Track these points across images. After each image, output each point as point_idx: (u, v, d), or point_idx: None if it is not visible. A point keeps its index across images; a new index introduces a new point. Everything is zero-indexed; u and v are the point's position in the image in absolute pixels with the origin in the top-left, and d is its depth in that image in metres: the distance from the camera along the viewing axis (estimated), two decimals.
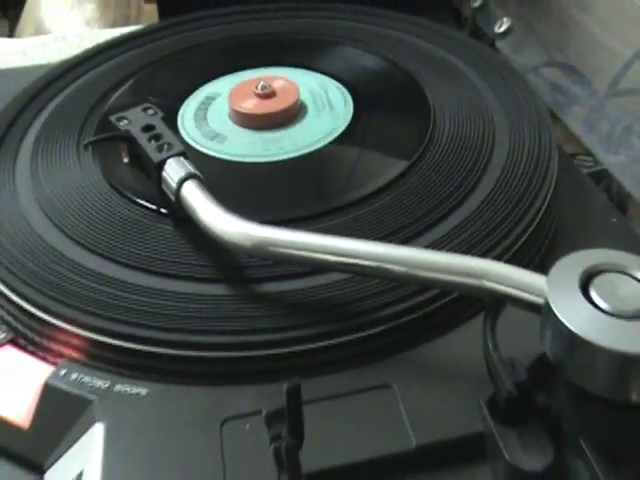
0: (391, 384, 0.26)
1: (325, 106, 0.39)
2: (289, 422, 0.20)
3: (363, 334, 0.27)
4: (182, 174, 0.29)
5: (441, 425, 0.25)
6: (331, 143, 0.36)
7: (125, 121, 0.32)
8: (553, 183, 0.34)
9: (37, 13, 0.78)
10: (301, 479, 0.21)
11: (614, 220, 0.37)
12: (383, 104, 0.39)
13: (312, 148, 0.36)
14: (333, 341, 0.27)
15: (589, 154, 0.55)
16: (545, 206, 0.33)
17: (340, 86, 0.41)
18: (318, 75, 0.42)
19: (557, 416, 0.24)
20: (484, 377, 0.25)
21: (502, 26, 0.56)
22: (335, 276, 0.29)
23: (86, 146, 0.34)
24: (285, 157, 0.35)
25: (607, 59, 0.57)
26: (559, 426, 0.24)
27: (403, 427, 0.25)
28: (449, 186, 0.33)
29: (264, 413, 0.21)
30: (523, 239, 0.31)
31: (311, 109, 0.39)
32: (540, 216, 0.33)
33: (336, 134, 0.37)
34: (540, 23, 0.63)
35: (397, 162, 0.34)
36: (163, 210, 0.31)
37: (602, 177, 0.52)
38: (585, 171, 0.52)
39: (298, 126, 0.38)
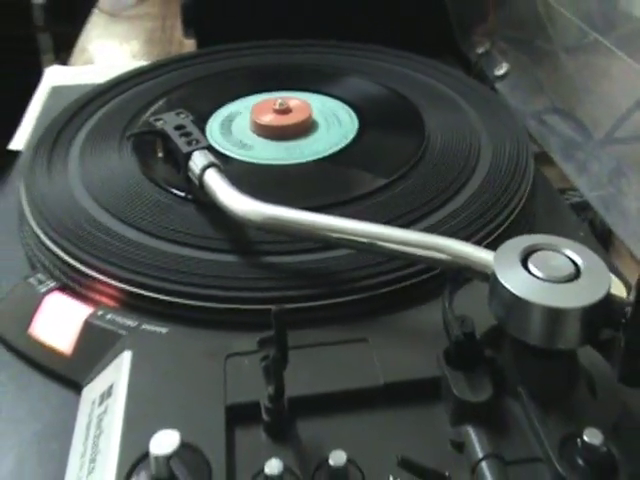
0: (367, 338, 0.31)
1: (334, 123, 0.45)
2: (276, 340, 0.26)
3: (347, 299, 0.33)
4: (205, 162, 0.35)
5: (406, 369, 0.30)
6: (342, 150, 0.43)
7: (161, 121, 0.39)
8: (529, 187, 0.40)
9: (88, 47, 0.86)
10: (283, 389, 0.27)
11: (581, 234, 0.43)
12: (384, 122, 0.46)
13: (327, 153, 0.42)
14: (319, 302, 0.32)
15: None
16: (522, 202, 0.39)
17: (347, 108, 0.47)
18: (328, 99, 0.48)
19: (501, 367, 0.29)
20: (445, 337, 0.30)
21: (501, 70, 0.63)
22: (328, 253, 0.34)
23: (129, 137, 0.40)
24: (306, 160, 0.42)
25: (603, 108, 0.62)
26: (503, 375, 0.29)
27: (374, 369, 0.30)
28: (442, 184, 0.40)
29: (257, 339, 0.27)
30: (501, 229, 0.37)
31: (322, 125, 0.45)
32: (517, 212, 0.38)
33: (345, 143, 0.43)
34: (538, 70, 0.69)
35: (398, 165, 0.41)
36: (188, 196, 0.37)
37: (586, 208, 0.58)
38: (570, 201, 0.58)
39: (311, 137, 0.44)
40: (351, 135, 0.44)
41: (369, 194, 0.39)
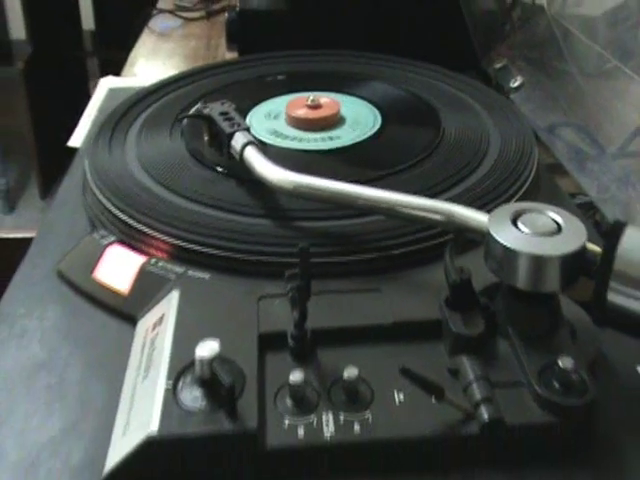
0: (380, 289, 0.37)
1: (360, 119, 0.51)
2: (301, 272, 0.31)
3: (364, 257, 0.38)
4: (245, 141, 0.41)
5: (412, 312, 0.35)
6: (367, 139, 0.48)
7: (208, 108, 0.45)
8: (533, 171, 0.45)
9: (136, 62, 0.94)
10: (306, 316, 0.32)
11: None
12: (405, 119, 0.51)
13: (353, 141, 0.48)
14: (340, 258, 0.38)
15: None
16: (528, 183, 0.44)
17: (372, 107, 0.53)
18: (356, 99, 0.54)
19: (493, 312, 0.34)
20: (446, 290, 0.35)
21: (516, 82, 0.68)
22: (349, 220, 0.40)
23: (180, 119, 0.46)
24: (335, 147, 0.47)
25: (615, 124, 0.67)
26: (494, 319, 0.34)
27: (385, 311, 0.35)
28: (458, 165, 0.45)
29: (286, 274, 0.32)
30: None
31: (349, 119, 0.51)
32: (523, 189, 0.44)
33: (369, 134, 0.49)
34: (553, 87, 0.74)
35: (417, 151, 0.47)
36: (227, 172, 0.43)
37: (592, 207, 0.62)
38: (577, 201, 0.62)
39: (339, 129, 0.50)
40: (375, 128, 0.50)
41: (392, 174, 0.44)
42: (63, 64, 2.15)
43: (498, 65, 0.72)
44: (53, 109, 1.97)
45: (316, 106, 0.50)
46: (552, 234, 0.33)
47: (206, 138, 0.45)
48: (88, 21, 2.38)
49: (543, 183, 0.49)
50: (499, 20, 0.77)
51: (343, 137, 0.49)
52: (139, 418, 0.29)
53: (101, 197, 0.42)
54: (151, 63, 0.93)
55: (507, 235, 0.33)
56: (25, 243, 0.43)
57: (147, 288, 0.37)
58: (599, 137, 0.67)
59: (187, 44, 0.98)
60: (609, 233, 0.32)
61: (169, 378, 0.30)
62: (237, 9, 0.71)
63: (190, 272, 0.37)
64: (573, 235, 0.33)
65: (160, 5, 1.11)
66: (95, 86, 0.73)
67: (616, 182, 0.62)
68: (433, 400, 0.31)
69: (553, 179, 0.53)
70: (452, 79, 0.59)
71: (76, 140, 0.67)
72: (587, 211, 0.62)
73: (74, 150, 0.58)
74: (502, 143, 0.48)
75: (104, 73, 0.77)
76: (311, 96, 0.50)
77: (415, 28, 0.73)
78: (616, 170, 0.64)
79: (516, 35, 0.77)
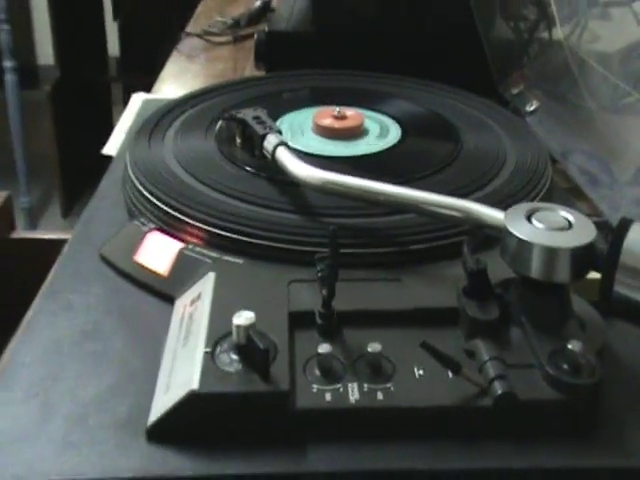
0: (401, 279, 0.39)
1: (383, 131, 0.54)
2: (330, 252, 0.34)
3: (388, 250, 0.41)
4: (277, 141, 0.44)
5: (431, 300, 0.37)
6: (389, 149, 0.51)
7: (242, 113, 0.48)
8: (549, 181, 0.48)
9: (164, 82, 0.98)
10: (334, 294, 0.34)
11: None
12: (425, 133, 0.54)
13: (376, 150, 0.51)
14: (364, 250, 0.40)
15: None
16: (545, 188, 0.48)
17: (394, 122, 0.56)
18: (380, 114, 0.57)
19: (508, 302, 0.37)
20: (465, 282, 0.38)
21: (532, 106, 0.71)
22: (374, 219, 0.43)
23: (216, 120, 0.49)
24: (359, 154, 0.50)
25: (628, 155, 0.69)
26: (509, 308, 0.37)
27: (407, 297, 0.37)
28: (477, 174, 0.48)
29: (316, 256, 0.35)
30: None
31: (372, 131, 0.54)
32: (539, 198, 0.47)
33: (391, 144, 0.52)
34: (567, 115, 0.77)
35: (437, 161, 0.50)
36: (258, 172, 0.46)
37: (608, 226, 0.64)
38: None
39: (362, 140, 0.53)
40: (396, 140, 0.53)
41: (411, 180, 0.47)
42: (88, 89, 2.22)
43: (515, 91, 0.75)
44: (77, 132, 2.03)
45: (342, 117, 0.53)
46: (564, 229, 0.36)
47: (238, 140, 0.48)
48: (114, 47, 2.46)
49: (557, 195, 0.51)
50: (516, 50, 0.81)
51: (366, 146, 0.52)
52: (180, 378, 0.32)
53: (141, 188, 0.45)
54: (179, 83, 0.97)
55: (522, 229, 0.36)
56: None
57: (185, 271, 0.39)
58: (612, 166, 0.70)
59: (215, 66, 1.02)
60: (616, 229, 0.34)
61: (207, 344, 0.33)
62: (266, 30, 0.75)
63: (225, 257, 0.40)
64: (583, 231, 0.35)
65: (189, 29, 1.16)
66: (119, 111, 0.76)
67: (631, 205, 0.65)
68: (450, 375, 0.33)
69: (567, 195, 0.56)
70: (470, 100, 0.62)
71: (110, 148, 0.71)
72: (602, 230, 0.64)
73: (97, 167, 0.61)
74: (518, 157, 0.51)
75: (128, 98, 0.81)
76: (338, 108, 0.54)
77: (438, 54, 0.77)
78: (630, 196, 0.66)
79: (533, 66, 0.80)
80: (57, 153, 2.00)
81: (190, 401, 0.30)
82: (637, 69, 0.69)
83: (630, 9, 0.69)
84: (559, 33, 0.77)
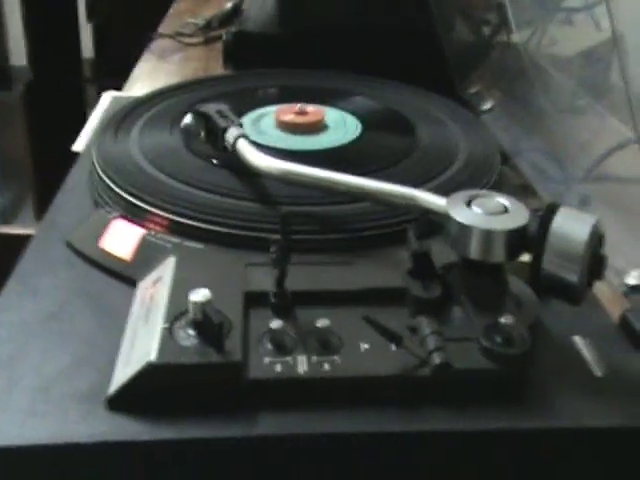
0: (352, 262, 0.42)
1: (342, 127, 0.57)
2: (282, 235, 0.36)
3: (338, 236, 0.43)
4: (238, 133, 0.47)
5: (379, 280, 0.40)
6: (349, 143, 0.54)
7: (205, 108, 0.50)
8: (496, 174, 0.51)
9: (136, 82, 1.00)
10: (286, 274, 0.37)
11: None
12: (383, 127, 0.57)
13: (336, 145, 0.53)
14: (317, 236, 0.43)
15: None
16: (493, 180, 0.50)
17: (354, 118, 0.59)
18: (340, 111, 0.60)
19: (450, 282, 0.39)
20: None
21: (487, 105, 0.74)
22: (327, 207, 0.45)
23: (181, 113, 0.51)
24: (319, 148, 0.53)
25: (581, 153, 0.72)
26: (450, 288, 0.39)
27: (356, 279, 0.40)
28: (431, 167, 0.51)
29: (271, 239, 0.37)
30: None
31: (332, 127, 0.56)
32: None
33: (351, 139, 0.55)
34: (521, 114, 0.80)
35: (398, 152, 0.53)
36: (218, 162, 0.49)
37: None
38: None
39: (323, 134, 0.55)
40: (356, 135, 0.55)
41: (369, 172, 0.49)
42: (62, 90, 2.22)
43: (472, 90, 0.78)
44: (50, 134, 2.04)
45: (303, 112, 0.56)
46: (500, 214, 0.38)
47: (202, 134, 0.50)
48: (87, 49, 2.46)
49: (508, 191, 0.54)
50: (475, 52, 0.84)
51: (326, 141, 0.54)
52: (140, 352, 0.34)
53: (106, 178, 0.47)
54: (150, 82, 0.99)
55: (463, 214, 0.38)
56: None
57: (147, 256, 0.42)
58: (565, 164, 0.73)
59: (187, 65, 1.04)
60: (544, 212, 0.37)
61: (166, 321, 0.35)
62: (234, 31, 0.77)
63: (186, 242, 0.42)
64: (517, 215, 0.38)
65: (161, 30, 1.18)
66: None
67: (578, 204, 0.68)
68: (393, 347, 0.36)
69: (518, 191, 0.59)
70: (428, 98, 0.65)
71: (80, 145, 0.73)
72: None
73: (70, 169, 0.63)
74: (470, 151, 0.54)
75: None
76: (299, 105, 0.56)
77: (402, 54, 0.79)
78: (578, 193, 0.69)
79: (490, 67, 0.83)
80: (30, 154, 2.01)
81: (148, 372, 0.32)
82: (593, 73, 0.72)
83: (590, 14, 0.72)
84: (516, 37, 0.80)
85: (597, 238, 0.37)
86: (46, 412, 0.33)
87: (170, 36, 1.15)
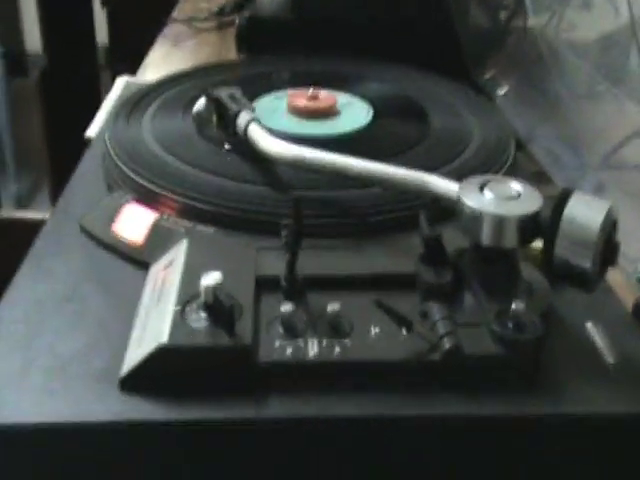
0: (364, 248, 0.42)
1: (355, 112, 0.57)
2: (294, 219, 0.36)
3: (350, 221, 0.43)
4: (249, 117, 0.46)
5: (390, 266, 0.40)
6: (360, 129, 0.54)
7: (217, 92, 0.50)
8: (510, 159, 0.51)
9: (149, 67, 1.00)
10: (297, 258, 0.37)
11: None
12: (395, 113, 0.57)
13: (349, 130, 0.53)
14: (330, 220, 0.43)
15: None
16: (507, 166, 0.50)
17: (366, 103, 0.58)
18: (351, 96, 0.60)
19: (461, 268, 0.39)
20: None
21: (502, 90, 0.74)
22: (339, 192, 0.45)
23: (193, 98, 0.51)
24: (337, 133, 0.53)
25: (598, 139, 0.71)
26: (462, 274, 0.39)
27: (367, 264, 0.40)
28: (444, 152, 0.51)
29: (281, 223, 0.37)
30: None
31: (344, 112, 0.56)
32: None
33: (363, 125, 0.54)
34: (538, 101, 0.79)
35: (411, 137, 0.53)
36: (230, 147, 0.49)
37: None
38: None
39: (336, 120, 0.55)
40: (367, 121, 0.55)
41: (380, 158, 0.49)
42: (77, 77, 2.23)
43: (487, 76, 0.78)
44: (66, 120, 2.04)
45: (315, 97, 0.56)
46: (512, 199, 0.38)
47: (214, 118, 0.50)
48: (102, 35, 2.46)
49: (523, 178, 0.54)
50: (490, 37, 0.83)
51: (338, 126, 0.54)
52: (152, 334, 0.34)
53: (119, 162, 0.47)
54: (164, 68, 0.99)
55: (475, 200, 0.38)
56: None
57: (159, 239, 0.42)
58: (582, 151, 0.72)
59: (200, 50, 1.04)
60: (557, 198, 0.37)
61: (178, 303, 0.35)
62: (247, 16, 0.77)
63: (198, 227, 0.42)
64: (530, 200, 0.38)
65: (174, 15, 1.18)
66: None
67: (593, 191, 0.67)
68: (403, 332, 0.36)
69: (532, 177, 0.59)
70: (441, 83, 0.64)
71: (93, 130, 0.73)
72: None
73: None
74: (484, 136, 0.54)
75: None
76: (311, 89, 0.56)
77: (416, 40, 0.79)
78: (594, 181, 0.69)
79: (507, 53, 0.83)
80: (46, 140, 2.02)
81: (160, 354, 0.33)
82: (611, 58, 0.72)
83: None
84: (533, 22, 0.79)
85: (611, 224, 0.36)
86: (61, 391, 0.33)
87: (184, 21, 1.15)
